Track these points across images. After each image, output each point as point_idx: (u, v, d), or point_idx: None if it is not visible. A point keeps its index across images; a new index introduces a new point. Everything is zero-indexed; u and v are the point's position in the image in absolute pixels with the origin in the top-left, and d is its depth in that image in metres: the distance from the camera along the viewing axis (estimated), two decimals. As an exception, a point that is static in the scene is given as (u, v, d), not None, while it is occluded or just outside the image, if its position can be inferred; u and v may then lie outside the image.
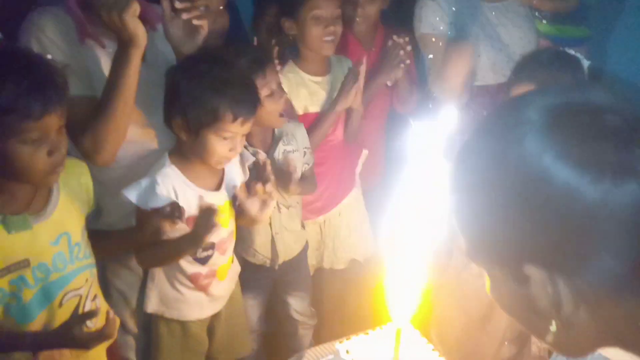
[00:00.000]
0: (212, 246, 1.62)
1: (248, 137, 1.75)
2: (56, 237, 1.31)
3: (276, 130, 1.86)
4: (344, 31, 2.07)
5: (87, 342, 1.29)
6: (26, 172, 1.20)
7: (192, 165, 1.56)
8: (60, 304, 1.32)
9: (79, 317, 1.31)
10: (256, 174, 1.73)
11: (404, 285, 1.39)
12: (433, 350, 1.50)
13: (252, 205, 1.64)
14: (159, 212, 1.45)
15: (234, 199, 1.66)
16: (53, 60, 1.31)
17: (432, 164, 1.38)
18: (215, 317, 1.77)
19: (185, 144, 1.53)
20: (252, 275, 1.95)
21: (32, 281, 1.27)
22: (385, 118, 2.38)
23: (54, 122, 1.18)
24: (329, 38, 1.98)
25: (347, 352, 1.47)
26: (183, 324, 1.70)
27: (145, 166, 1.55)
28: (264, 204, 1.64)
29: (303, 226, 2.05)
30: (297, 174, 1.87)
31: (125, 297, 1.74)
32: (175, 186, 1.53)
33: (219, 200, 1.61)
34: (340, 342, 1.52)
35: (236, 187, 1.67)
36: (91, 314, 1.32)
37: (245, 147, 1.75)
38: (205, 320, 1.74)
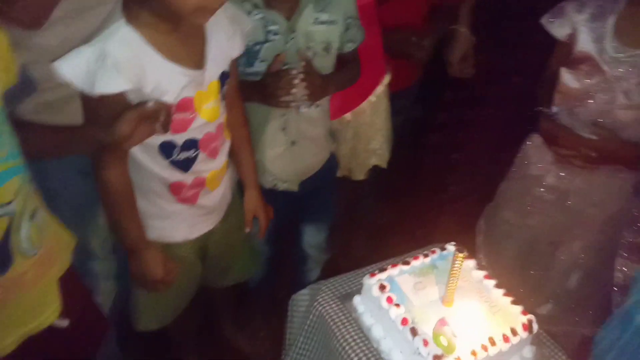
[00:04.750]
0: (193, 144, 1.16)
1: None
2: None
3: None
4: None
5: None
6: None
7: (158, 24, 1.03)
8: None
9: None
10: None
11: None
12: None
13: None
14: (137, 109, 1.00)
15: (223, 79, 1.18)
16: None
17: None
18: (209, 236, 1.36)
19: None
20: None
21: None
22: None
23: None
24: None
25: (382, 288, 1.09)
26: (166, 247, 1.29)
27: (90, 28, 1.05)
28: None
29: (330, 132, 1.54)
30: (327, 62, 1.36)
31: (84, 213, 1.32)
32: (139, 59, 1.02)
33: (202, 81, 1.13)
34: (372, 276, 1.14)
35: (229, 61, 1.19)
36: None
37: (256, 5, 1.26)
38: (196, 240, 1.34)
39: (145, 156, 1.15)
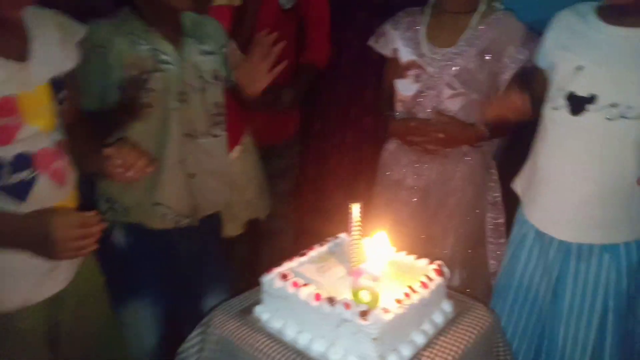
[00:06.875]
0: (26, 162, 0.96)
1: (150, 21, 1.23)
2: None
3: (186, 21, 1.31)
4: None
5: None
6: None
7: None
8: None
9: None
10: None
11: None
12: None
13: None
14: None
15: (56, 86, 1.02)
16: None
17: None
18: (58, 304, 1.07)
19: None
20: (141, 253, 1.32)
21: None
22: None
23: None
24: None
25: (284, 276, 0.97)
26: (3, 319, 0.99)
27: None
28: None
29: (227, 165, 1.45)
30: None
31: None
32: None
33: (27, 79, 0.96)
34: (269, 272, 1.01)
35: (62, 69, 1.05)
36: None
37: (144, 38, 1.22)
38: (41, 307, 1.04)
39: None
